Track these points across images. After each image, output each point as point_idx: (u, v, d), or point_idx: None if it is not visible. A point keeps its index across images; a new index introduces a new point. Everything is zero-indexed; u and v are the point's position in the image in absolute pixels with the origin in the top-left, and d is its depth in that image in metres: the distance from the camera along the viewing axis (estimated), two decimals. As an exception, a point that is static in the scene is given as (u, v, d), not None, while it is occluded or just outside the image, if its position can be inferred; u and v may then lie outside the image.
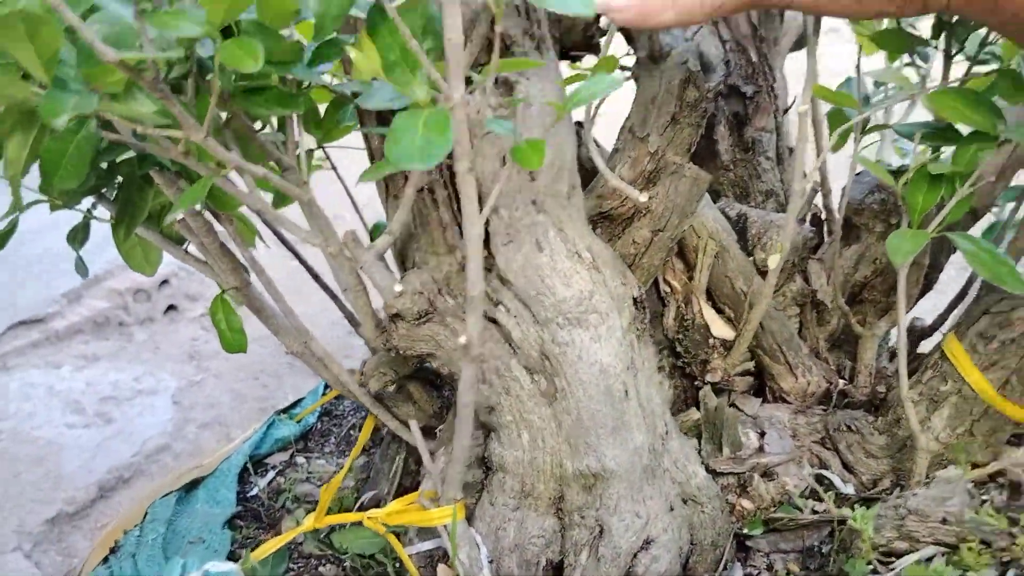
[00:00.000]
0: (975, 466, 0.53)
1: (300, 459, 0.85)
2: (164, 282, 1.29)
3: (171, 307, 1.28)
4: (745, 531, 0.53)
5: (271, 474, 0.81)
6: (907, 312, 0.66)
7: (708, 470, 0.55)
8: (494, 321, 0.52)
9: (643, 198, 0.52)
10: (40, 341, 1.16)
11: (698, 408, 0.61)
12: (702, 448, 0.57)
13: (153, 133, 0.42)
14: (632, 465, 0.50)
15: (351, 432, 0.89)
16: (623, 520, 0.50)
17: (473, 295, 0.45)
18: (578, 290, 0.51)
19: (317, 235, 0.52)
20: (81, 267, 0.70)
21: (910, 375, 0.57)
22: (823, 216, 0.69)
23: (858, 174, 0.66)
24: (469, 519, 0.54)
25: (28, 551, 0.85)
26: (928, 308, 0.74)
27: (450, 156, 0.39)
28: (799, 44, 0.75)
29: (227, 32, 0.44)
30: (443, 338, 0.52)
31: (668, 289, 0.62)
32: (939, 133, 0.50)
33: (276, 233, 0.74)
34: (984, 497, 0.51)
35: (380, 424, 0.71)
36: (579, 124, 0.67)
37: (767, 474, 0.55)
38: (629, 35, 0.60)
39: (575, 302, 0.50)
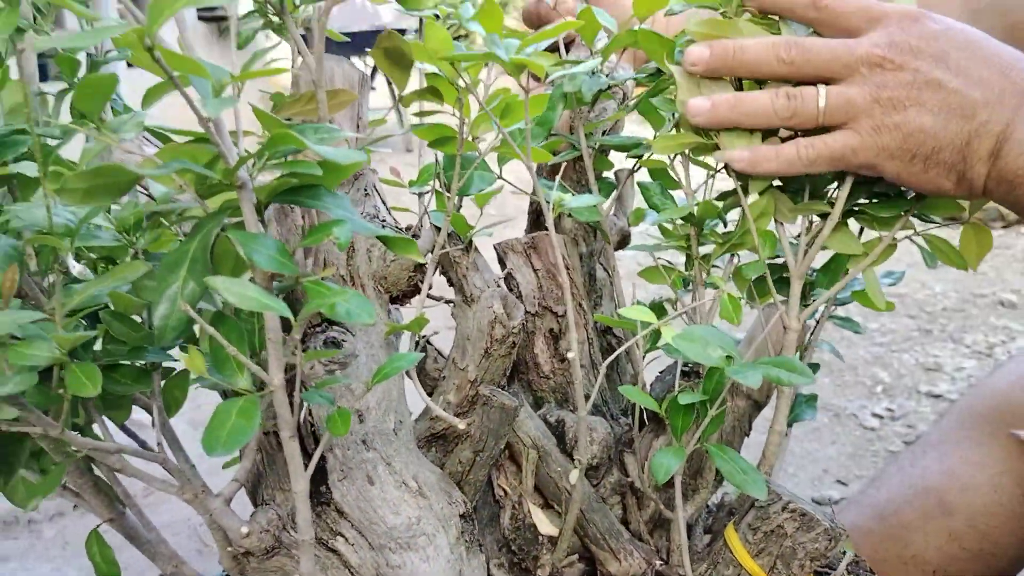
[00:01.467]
0: (760, 639, 0.61)
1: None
2: None
3: None
4: None
5: None
6: (715, 492, 0.76)
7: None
8: (335, 551, 0.59)
9: (462, 425, 0.61)
10: None
11: (535, 599, 0.68)
12: (534, 641, 0.65)
13: (16, 428, 0.49)
14: None
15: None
16: None
17: (304, 539, 0.53)
18: (406, 517, 0.59)
19: (173, 485, 0.59)
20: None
21: (711, 555, 0.66)
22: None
23: (660, 372, 0.77)
24: None
25: None
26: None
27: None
28: (622, 243, 0.87)
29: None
30: (290, 568, 0.59)
31: (502, 493, 0.70)
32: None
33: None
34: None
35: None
36: (427, 340, 0.76)
37: (588, 662, 0.62)
38: (449, 279, 0.70)
39: (404, 528, 0.58)
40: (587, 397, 0.76)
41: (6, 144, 0.60)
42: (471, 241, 0.69)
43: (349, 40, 0.73)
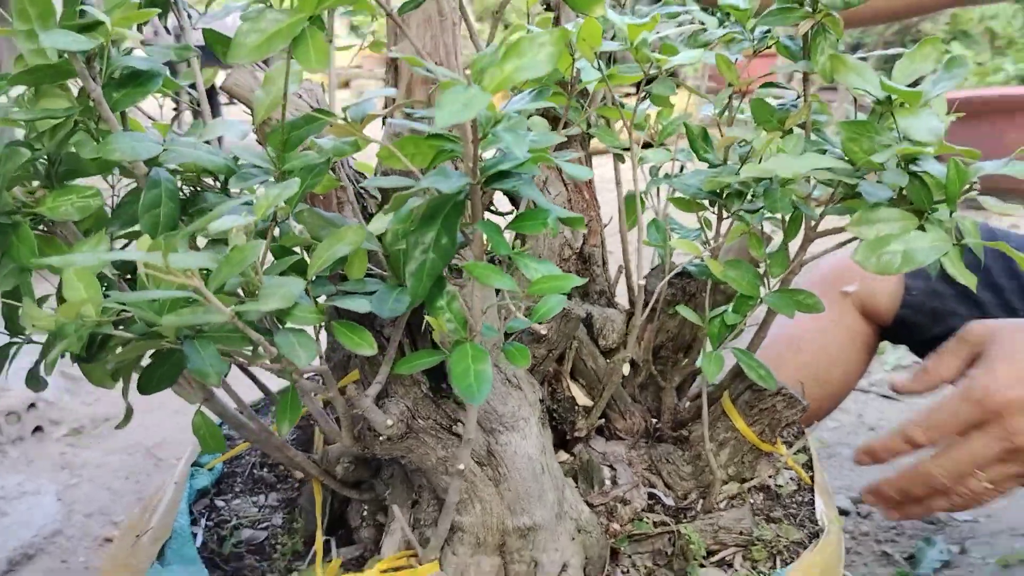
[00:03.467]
0: (744, 480, 0.85)
1: (219, 502, 1.00)
2: (32, 405, 1.41)
3: (38, 428, 1.39)
4: (615, 544, 0.81)
5: (202, 521, 0.96)
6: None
7: (588, 505, 0.82)
8: (456, 435, 0.73)
9: (544, 331, 0.76)
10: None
11: (566, 451, 0.87)
12: (579, 486, 0.84)
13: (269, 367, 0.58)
14: (550, 517, 0.76)
15: (253, 471, 1.05)
16: (549, 556, 0.75)
17: (468, 438, 0.68)
18: (511, 407, 0.74)
19: (323, 387, 0.70)
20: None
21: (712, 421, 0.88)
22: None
23: (652, 269, 0.95)
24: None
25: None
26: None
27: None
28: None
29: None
30: (415, 446, 0.73)
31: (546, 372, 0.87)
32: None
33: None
34: (751, 500, 0.83)
35: (308, 477, 0.90)
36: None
37: (623, 500, 0.83)
38: (516, 205, 0.82)
39: (509, 415, 0.74)
40: (602, 292, 0.93)
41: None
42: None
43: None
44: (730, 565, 0.76)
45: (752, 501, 0.83)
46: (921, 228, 0.59)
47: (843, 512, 1.47)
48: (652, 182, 0.88)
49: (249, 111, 0.67)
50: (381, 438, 0.72)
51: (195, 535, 0.95)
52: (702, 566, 0.75)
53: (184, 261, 0.47)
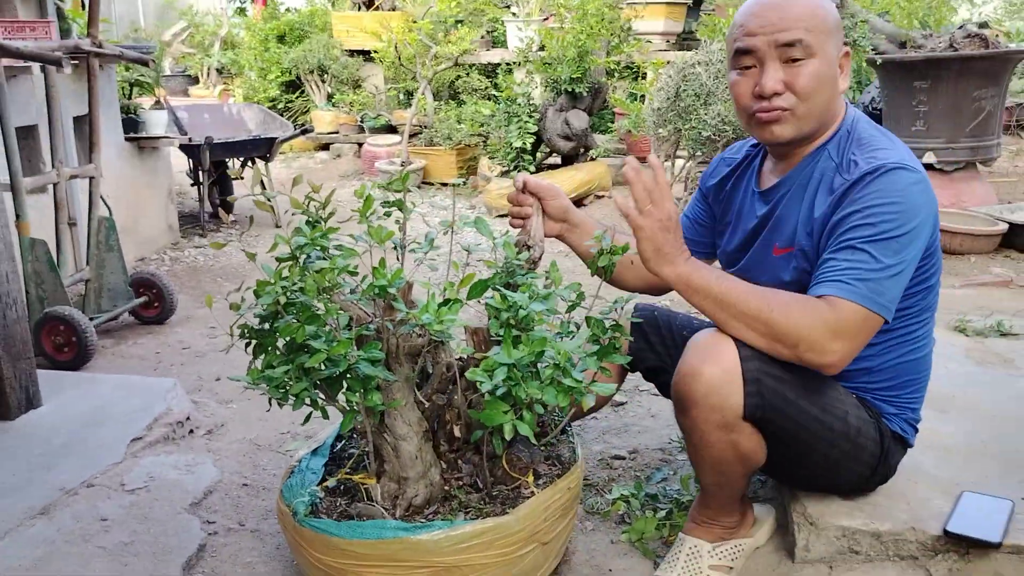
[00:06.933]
0: (505, 486, 1.94)
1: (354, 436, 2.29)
2: (187, 418, 2.92)
3: (191, 431, 2.86)
4: (446, 495, 1.96)
5: (340, 443, 2.26)
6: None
7: (443, 477, 1.98)
8: (386, 440, 1.93)
9: (426, 404, 1.92)
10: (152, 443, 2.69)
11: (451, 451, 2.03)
12: (445, 468, 1.99)
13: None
14: (416, 476, 1.92)
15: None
16: (411, 490, 1.92)
17: (391, 441, 1.88)
18: (404, 432, 1.91)
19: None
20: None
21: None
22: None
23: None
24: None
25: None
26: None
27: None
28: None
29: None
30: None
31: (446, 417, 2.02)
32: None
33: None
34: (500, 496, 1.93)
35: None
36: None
37: (458, 479, 1.97)
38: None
39: (403, 435, 1.91)
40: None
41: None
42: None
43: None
44: (467, 513, 1.87)
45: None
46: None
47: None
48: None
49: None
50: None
51: (335, 446, 2.26)
52: (460, 511, 1.88)
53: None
